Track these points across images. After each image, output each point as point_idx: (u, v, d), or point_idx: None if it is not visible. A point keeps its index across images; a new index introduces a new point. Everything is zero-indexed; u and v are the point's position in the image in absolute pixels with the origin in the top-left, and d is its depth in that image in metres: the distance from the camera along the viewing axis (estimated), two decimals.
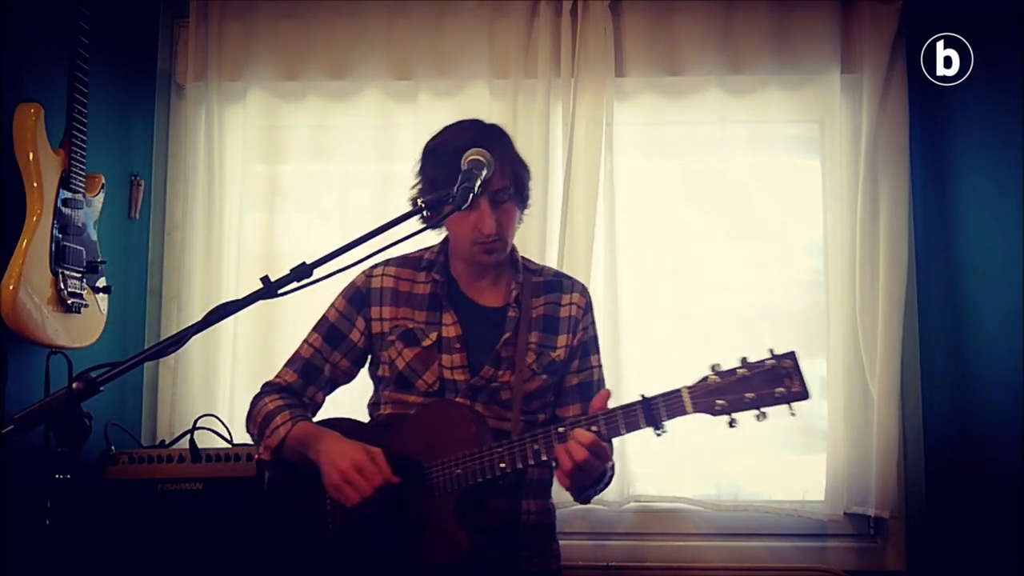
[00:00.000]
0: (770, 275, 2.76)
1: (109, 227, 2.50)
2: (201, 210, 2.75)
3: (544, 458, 1.61)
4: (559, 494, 1.86)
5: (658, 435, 1.54)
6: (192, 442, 2.33)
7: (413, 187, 1.85)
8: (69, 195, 2.20)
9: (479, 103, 2.76)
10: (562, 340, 1.87)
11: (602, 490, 1.83)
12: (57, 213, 2.15)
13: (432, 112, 2.77)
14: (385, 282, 1.87)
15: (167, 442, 2.51)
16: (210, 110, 2.77)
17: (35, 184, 2.10)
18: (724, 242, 2.76)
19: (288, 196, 2.87)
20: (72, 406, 1.24)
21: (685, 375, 1.54)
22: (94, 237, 2.33)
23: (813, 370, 2.76)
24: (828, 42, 2.70)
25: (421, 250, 1.94)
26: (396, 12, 2.79)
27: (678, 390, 1.52)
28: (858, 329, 2.61)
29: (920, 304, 2.68)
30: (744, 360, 1.50)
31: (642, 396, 1.55)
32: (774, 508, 2.64)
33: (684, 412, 1.52)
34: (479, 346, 1.82)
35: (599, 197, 2.68)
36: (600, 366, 1.94)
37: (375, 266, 1.88)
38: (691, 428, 2.63)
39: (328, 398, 1.95)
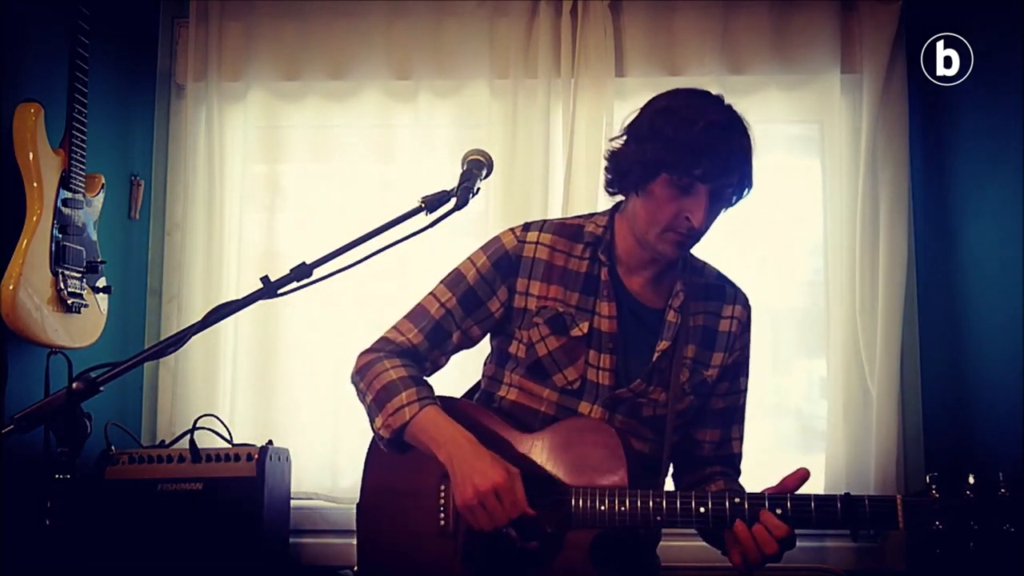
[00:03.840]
0: (770, 275, 2.76)
1: (109, 227, 2.50)
2: (201, 210, 2.75)
3: (712, 526, 1.44)
4: None
5: (854, 541, 1.41)
6: (192, 442, 2.33)
7: (621, 144, 1.60)
8: (69, 195, 2.20)
9: (479, 103, 2.76)
10: (717, 359, 1.66)
11: None
12: (57, 213, 2.15)
13: (432, 112, 2.78)
14: (539, 252, 1.63)
15: (167, 442, 2.51)
16: (210, 110, 2.77)
17: (35, 184, 2.10)
18: (724, 242, 2.75)
19: (288, 196, 2.87)
20: (72, 406, 1.24)
21: None
22: (94, 237, 2.33)
23: (813, 370, 2.76)
24: (828, 42, 2.70)
25: (581, 217, 1.70)
26: (396, 12, 2.79)
27: (892, 498, 1.35)
28: (858, 329, 2.61)
29: (920, 304, 2.68)
30: (970, 479, 1.33)
31: (846, 492, 1.38)
32: None
33: (895, 527, 1.34)
34: (630, 350, 1.61)
35: (599, 197, 2.68)
36: (747, 391, 1.74)
37: (528, 227, 1.65)
38: None
39: None
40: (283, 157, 2.86)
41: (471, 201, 1.56)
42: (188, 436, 2.35)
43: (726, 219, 2.89)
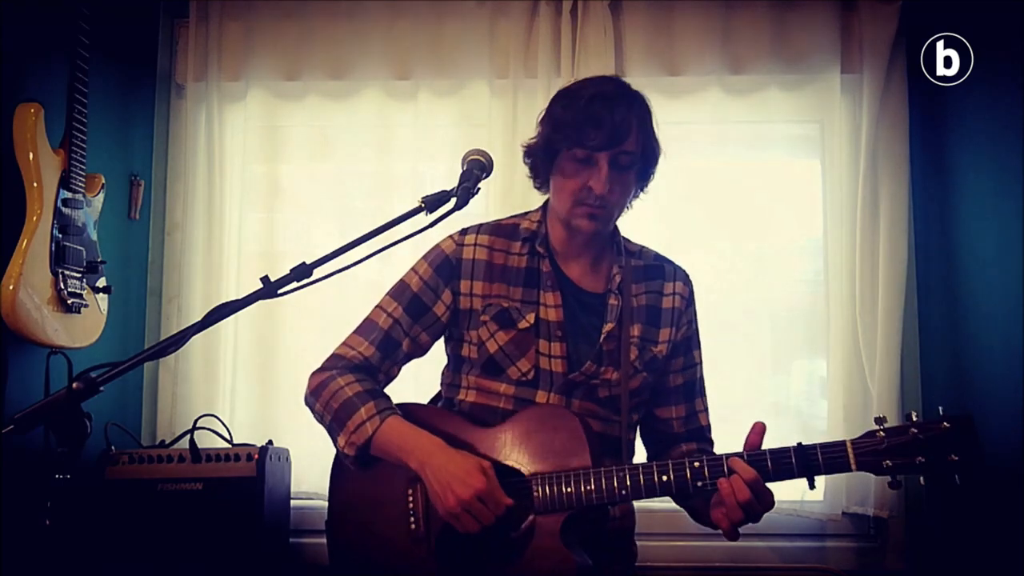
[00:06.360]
0: (770, 275, 2.76)
1: (109, 227, 2.50)
2: (201, 210, 2.75)
3: (674, 491, 1.46)
4: None
5: (811, 488, 1.41)
6: (192, 442, 2.33)
7: (533, 138, 1.69)
8: (69, 195, 2.20)
9: (479, 103, 2.76)
10: (664, 334, 1.70)
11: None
12: (57, 213, 2.15)
13: (432, 112, 2.78)
14: (478, 253, 1.69)
15: (167, 442, 2.51)
16: (210, 110, 2.77)
17: (35, 184, 2.10)
18: (724, 242, 2.76)
19: (288, 196, 2.87)
20: (72, 406, 1.24)
21: None
22: (94, 237, 2.33)
23: (813, 370, 2.76)
24: (828, 42, 2.70)
25: (517, 216, 1.76)
26: (396, 12, 2.79)
27: (842, 443, 1.38)
28: (858, 329, 2.61)
29: (920, 304, 2.68)
30: (911, 417, 1.38)
31: (799, 443, 1.40)
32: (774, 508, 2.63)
33: (848, 468, 1.38)
34: (579, 335, 1.65)
35: None
36: (702, 363, 1.79)
37: (465, 231, 1.70)
38: None
39: None
40: (283, 157, 2.86)
41: (471, 201, 1.57)
42: (188, 436, 2.36)
43: (726, 219, 2.89)
